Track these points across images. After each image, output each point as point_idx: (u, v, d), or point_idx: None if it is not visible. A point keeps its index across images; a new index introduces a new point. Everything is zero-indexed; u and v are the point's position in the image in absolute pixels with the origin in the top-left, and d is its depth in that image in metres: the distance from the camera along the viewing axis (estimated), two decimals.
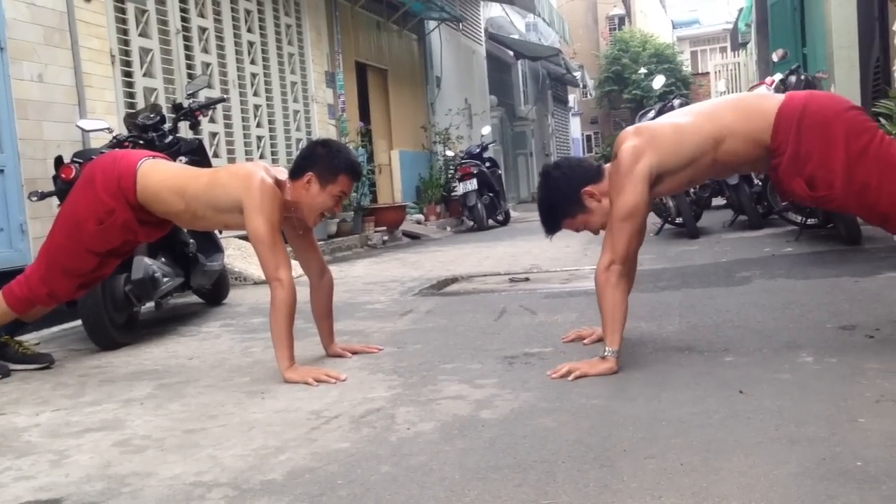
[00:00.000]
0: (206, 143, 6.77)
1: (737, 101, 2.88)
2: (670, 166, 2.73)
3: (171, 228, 3.52)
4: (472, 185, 11.59)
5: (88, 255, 3.25)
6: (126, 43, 6.61)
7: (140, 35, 6.79)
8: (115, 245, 3.28)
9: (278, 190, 3.00)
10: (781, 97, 2.71)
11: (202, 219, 3.18)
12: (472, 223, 11.77)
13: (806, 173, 2.61)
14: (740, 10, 22.07)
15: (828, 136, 2.56)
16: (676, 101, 7.89)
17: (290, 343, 2.94)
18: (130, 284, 3.97)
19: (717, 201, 9.04)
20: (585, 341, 3.25)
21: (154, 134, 4.73)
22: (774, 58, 8.28)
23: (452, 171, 13.03)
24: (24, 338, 3.95)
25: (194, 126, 5.44)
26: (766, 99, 2.79)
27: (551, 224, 2.96)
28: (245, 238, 7.36)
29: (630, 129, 2.86)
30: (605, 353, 2.69)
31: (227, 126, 8.10)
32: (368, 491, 1.81)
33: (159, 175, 3.18)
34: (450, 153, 13.53)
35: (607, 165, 2.89)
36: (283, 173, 3.09)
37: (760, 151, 2.70)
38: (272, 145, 8.97)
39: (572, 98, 31.24)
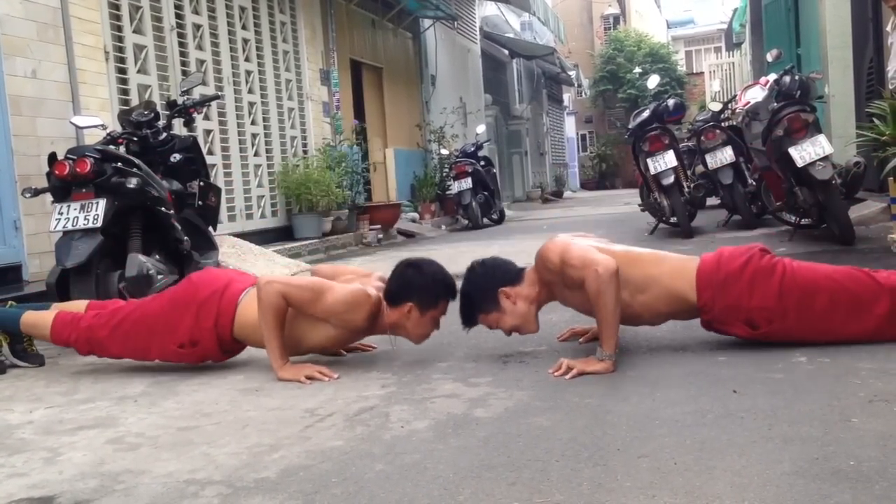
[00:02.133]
0: (201, 141, 6.76)
1: (660, 258, 2.97)
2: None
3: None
4: (467, 183, 11.59)
5: (151, 358, 3.19)
6: (120, 39, 6.59)
7: (134, 31, 6.77)
8: (184, 362, 3.19)
9: (369, 308, 2.93)
10: (696, 260, 2.90)
11: (310, 338, 3.05)
12: (466, 222, 11.78)
13: (742, 318, 2.81)
14: (735, 11, 22.09)
15: (747, 282, 2.77)
16: (671, 101, 7.91)
17: (281, 342, 2.94)
18: (124, 281, 3.97)
19: (712, 201, 9.06)
20: (581, 340, 3.26)
21: (148, 131, 4.73)
22: (769, 58, 8.30)
23: (447, 170, 13.03)
24: None
25: (188, 123, 5.44)
26: (686, 260, 2.93)
27: (467, 317, 3.02)
28: (240, 236, 7.36)
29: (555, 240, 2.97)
30: (604, 357, 2.70)
31: (222, 123, 8.08)
32: (362, 489, 1.81)
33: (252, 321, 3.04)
34: (444, 152, 13.53)
35: (530, 273, 2.98)
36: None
37: (681, 308, 2.87)
38: (266, 143, 8.95)
39: (567, 97, 31.26)
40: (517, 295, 2.94)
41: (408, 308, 2.96)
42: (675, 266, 2.90)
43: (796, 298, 2.75)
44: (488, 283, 2.96)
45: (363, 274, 3.24)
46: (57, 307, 3.42)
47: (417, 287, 2.96)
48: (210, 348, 3.09)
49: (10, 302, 3.51)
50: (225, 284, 3.11)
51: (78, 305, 3.42)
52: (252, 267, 6.27)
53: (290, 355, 3.01)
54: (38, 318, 3.31)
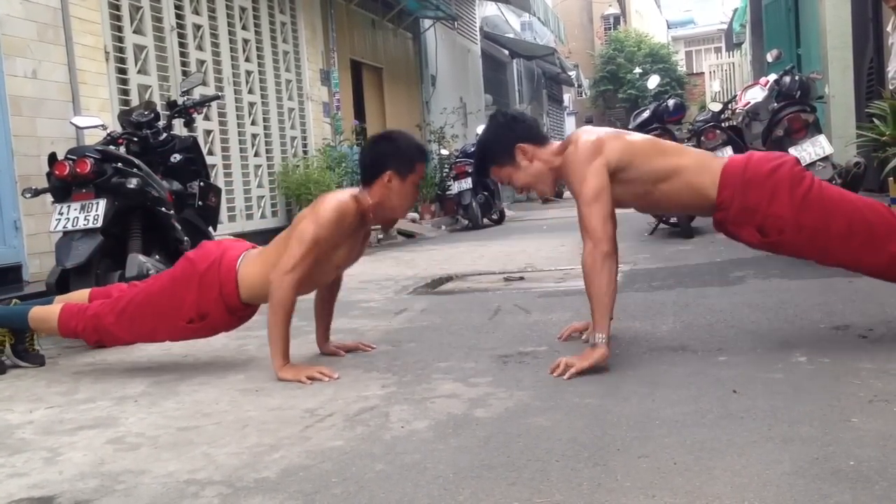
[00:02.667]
0: (201, 141, 6.77)
1: (686, 150, 2.95)
2: (621, 168, 2.78)
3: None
4: (467, 183, 11.58)
5: (161, 339, 3.20)
6: (120, 40, 6.60)
7: (134, 32, 6.78)
8: (199, 338, 3.22)
9: (352, 206, 2.95)
10: (725, 158, 2.85)
11: (319, 274, 3.06)
12: (466, 222, 11.77)
13: (756, 222, 2.75)
14: (735, 11, 22.11)
15: (771, 187, 2.70)
16: (671, 102, 7.92)
17: (286, 342, 2.94)
18: (125, 281, 3.96)
19: None
20: (584, 336, 3.26)
21: (148, 131, 4.73)
22: (769, 58, 8.31)
23: (447, 170, 13.03)
24: None
25: (189, 123, 5.44)
26: (713, 158, 2.90)
27: (480, 166, 3.01)
28: (240, 236, 7.36)
29: (586, 128, 2.93)
30: (597, 340, 2.64)
31: (222, 124, 8.08)
32: (362, 489, 1.81)
33: (258, 262, 3.06)
34: (445, 152, 13.53)
35: (556, 144, 2.94)
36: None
37: (699, 202, 2.82)
38: (267, 143, 8.96)
39: (567, 97, 31.25)
40: (535, 154, 2.87)
41: (387, 177, 2.98)
42: (700, 159, 2.84)
43: (814, 215, 2.67)
44: (508, 135, 2.88)
45: (316, 205, 3.09)
46: (60, 300, 3.42)
47: (391, 154, 2.99)
48: (220, 317, 3.09)
49: (13, 300, 3.51)
50: (221, 254, 3.11)
51: (80, 295, 3.42)
52: None
53: (325, 282, 3.05)
54: (46, 313, 3.31)
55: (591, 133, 2.86)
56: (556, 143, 2.94)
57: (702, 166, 2.80)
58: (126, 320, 3.15)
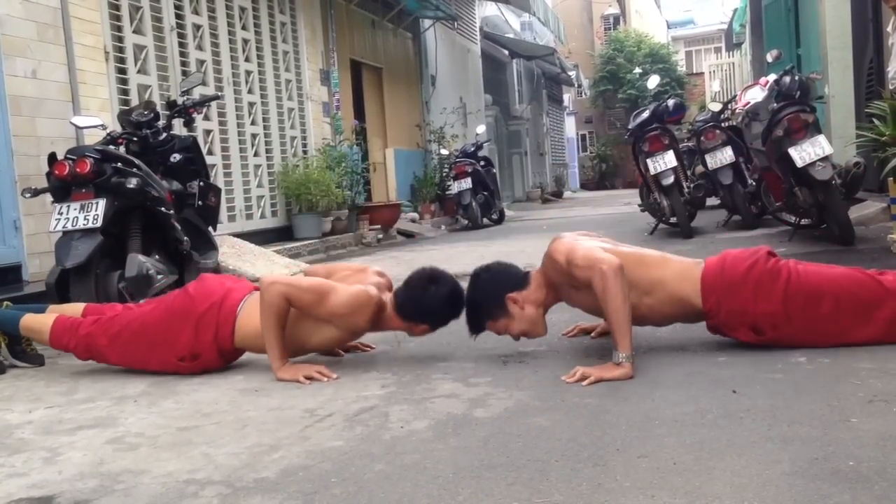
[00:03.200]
0: (201, 141, 6.77)
1: (666, 260, 2.94)
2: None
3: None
4: (467, 183, 11.59)
5: (151, 368, 3.15)
6: (120, 39, 6.60)
7: (134, 32, 6.78)
8: (185, 373, 3.16)
9: (372, 310, 2.94)
10: (702, 264, 2.88)
11: (312, 339, 3.05)
12: (466, 222, 11.78)
13: (747, 323, 2.79)
14: (735, 11, 22.10)
15: (752, 287, 2.75)
16: (671, 102, 7.92)
17: (281, 342, 2.94)
18: (124, 282, 3.97)
19: (712, 201, 9.06)
20: (592, 335, 3.26)
21: (148, 131, 4.73)
22: (769, 58, 8.30)
23: (447, 170, 13.03)
24: None
25: (188, 123, 5.44)
26: (692, 265, 2.90)
27: (475, 324, 3.00)
28: (240, 236, 7.36)
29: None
30: (620, 359, 2.62)
31: (222, 123, 8.08)
32: (362, 489, 1.81)
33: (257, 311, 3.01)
34: (444, 152, 13.53)
35: (536, 276, 2.97)
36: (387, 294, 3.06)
37: (687, 311, 2.86)
38: (266, 143, 8.95)
39: (567, 97, 31.25)
40: (525, 300, 2.91)
41: (421, 328, 3.02)
42: (681, 269, 2.87)
43: (801, 303, 2.73)
44: (495, 289, 2.93)
45: (359, 269, 3.22)
46: (54, 310, 3.41)
47: (436, 312, 2.98)
48: (211, 360, 3.08)
49: (5, 303, 3.51)
50: (223, 296, 3.09)
51: (75, 309, 3.41)
52: (252, 267, 6.28)
53: (291, 356, 3.01)
54: (38, 323, 3.30)
55: (567, 235, 2.95)
56: (536, 276, 2.97)
57: (682, 276, 2.84)
58: (119, 346, 3.15)
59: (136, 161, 4.29)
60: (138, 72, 6.79)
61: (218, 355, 3.08)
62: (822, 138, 5.37)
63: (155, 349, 3.09)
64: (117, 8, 6.57)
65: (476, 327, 2.99)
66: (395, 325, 3.04)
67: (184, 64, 7.46)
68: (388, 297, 3.03)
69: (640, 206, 8.74)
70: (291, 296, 2.89)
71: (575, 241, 2.86)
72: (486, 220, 12.07)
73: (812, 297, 2.73)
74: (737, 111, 7.82)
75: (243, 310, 3.06)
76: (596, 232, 3.12)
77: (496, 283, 2.95)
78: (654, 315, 2.88)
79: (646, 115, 7.75)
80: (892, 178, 5.33)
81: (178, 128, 5.80)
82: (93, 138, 5.18)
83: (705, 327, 2.92)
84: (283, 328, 2.93)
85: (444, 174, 13.25)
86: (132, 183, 4.11)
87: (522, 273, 3.01)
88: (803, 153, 5.31)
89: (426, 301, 2.96)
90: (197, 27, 7.76)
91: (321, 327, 2.98)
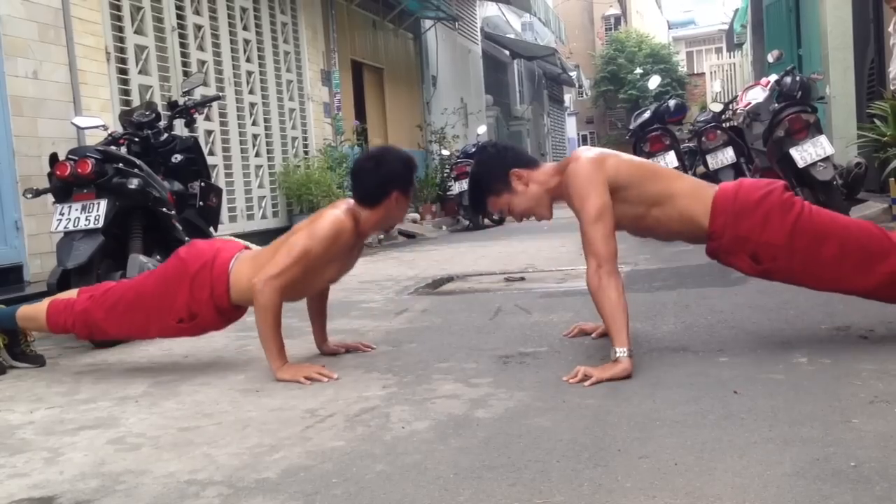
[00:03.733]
0: (202, 142, 6.77)
1: (680, 177, 2.94)
2: (619, 187, 2.78)
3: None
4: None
5: (151, 335, 3.19)
6: (121, 40, 6.60)
7: (135, 32, 6.78)
8: (187, 336, 3.22)
9: (349, 223, 2.96)
10: (716, 187, 2.85)
11: (304, 277, 3.02)
12: (467, 222, 11.78)
13: (748, 250, 2.75)
14: (736, 11, 22.11)
15: (762, 214, 2.71)
16: (672, 102, 7.92)
17: (279, 343, 2.94)
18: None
19: None
20: (593, 335, 3.26)
21: (149, 132, 4.73)
22: (770, 59, 8.31)
23: (448, 171, 13.03)
24: None
25: (190, 124, 5.44)
26: (706, 186, 2.89)
27: (477, 199, 2.98)
28: (241, 236, 7.37)
29: (586, 147, 2.96)
30: (618, 355, 2.60)
31: (223, 124, 8.09)
32: (363, 489, 1.81)
33: (250, 265, 3.04)
34: (445, 152, 13.54)
35: (550, 165, 2.95)
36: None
37: (691, 230, 2.83)
38: (268, 143, 8.96)
39: (568, 98, 31.27)
40: (531, 177, 2.86)
41: (394, 198, 3.00)
42: (694, 187, 2.84)
43: (806, 240, 2.68)
44: (500, 163, 2.88)
45: (313, 219, 3.10)
46: (48, 299, 3.42)
47: (396, 176, 2.99)
48: (209, 318, 3.09)
49: None
50: (213, 254, 3.10)
51: (69, 293, 3.42)
52: None
53: (313, 293, 3.05)
54: (33, 310, 3.31)
55: (591, 150, 2.87)
56: (549, 165, 2.95)
57: (694, 195, 2.81)
58: (116, 316, 3.16)
59: (138, 162, 4.29)
60: (139, 72, 6.79)
61: (216, 313, 3.08)
62: (823, 139, 5.37)
63: (152, 315, 3.10)
64: (118, 8, 6.58)
65: (477, 202, 2.96)
66: (375, 221, 3.04)
67: (185, 64, 7.46)
68: (351, 205, 3.05)
69: None
70: (285, 285, 2.90)
71: (591, 183, 2.74)
72: (486, 221, 12.07)
73: (819, 237, 2.69)
74: (738, 112, 7.82)
75: (235, 266, 3.06)
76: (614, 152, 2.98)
77: (501, 158, 2.90)
78: (659, 228, 2.86)
79: (647, 115, 7.75)
80: (893, 179, 5.34)
81: (180, 128, 5.80)
82: (94, 139, 5.18)
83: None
84: (280, 327, 2.94)
85: (446, 175, 13.26)
86: (133, 183, 4.11)
87: (531, 156, 2.97)
88: (804, 153, 5.31)
89: (378, 173, 2.98)
90: (198, 27, 7.77)
91: (320, 270, 3.00)
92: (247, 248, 3.20)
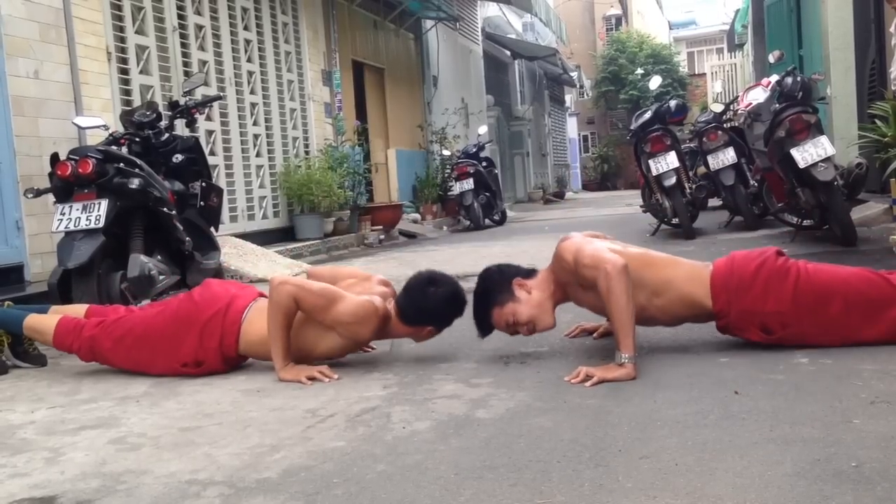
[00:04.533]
0: (203, 142, 6.77)
1: (675, 262, 2.94)
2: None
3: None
4: (469, 184, 11.59)
5: (154, 372, 3.14)
6: (122, 40, 6.60)
7: (136, 32, 6.78)
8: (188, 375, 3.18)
9: (377, 324, 2.96)
10: (709, 265, 2.88)
11: (317, 346, 3.04)
12: (468, 222, 11.77)
13: (757, 323, 2.79)
14: (737, 12, 22.10)
15: (761, 287, 2.75)
16: (673, 102, 7.92)
17: (286, 342, 2.94)
18: (126, 282, 3.97)
19: (714, 202, 9.05)
20: (595, 335, 3.26)
21: (150, 132, 4.74)
22: (771, 59, 8.29)
23: (449, 171, 13.03)
24: None
25: (191, 124, 5.44)
26: (701, 267, 2.91)
27: (482, 315, 2.97)
28: (242, 236, 7.37)
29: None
30: (623, 360, 2.61)
31: (224, 124, 8.08)
32: (364, 489, 1.81)
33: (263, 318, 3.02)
34: (446, 152, 13.53)
35: (542, 271, 2.99)
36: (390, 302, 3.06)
37: (696, 313, 2.86)
38: (269, 143, 8.96)
39: (569, 98, 31.25)
40: (532, 285, 2.92)
41: (428, 330, 3.03)
42: (690, 271, 2.88)
43: (810, 303, 2.73)
44: (502, 277, 2.95)
45: (364, 277, 3.23)
46: (56, 310, 3.42)
47: (439, 313, 2.99)
48: (214, 366, 3.08)
49: (6, 302, 3.51)
50: (228, 303, 3.09)
51: (77, 310, 3.41)
52: (253, 268, 6.28)
53: (295, 361, 3.00)
54: (41, 324, 3.31)
55: (573, 242, 2.91)
56: (544, 271, 2.99)
57: (692, 277, 2.84)
58: (123, 349, 3.16)
59: (139, 161, 4.29)
60: (140, 72, 6.79)
61: (222, 362, 3.08)
62: (824, 139, 5.36)
63: (158, 354, 3.09)
64: (119, 8, 6.58)
65: (482, 318, 2.96)
66: (401, 332, 3.05)
67: (186, 64, 7.46)
68: (391, 305, 3.03)
69: (641, 206, 8.74)
70: (300, 297, 2.89)
71: (583, 240, 2.87)
72: (487, 221, 12.07)
73: (822, 297, 2.73)
74: (739, 112, 7.80)
75: (248, 317, 3.06)
76: (603, 233, 3.11)
77: (503, 273, 2.97)
78: (664, 316, 2.88)
79: (648, 115, 7.74)
80: (894, 179, 5.34)
81: (181, 128, 5.80)
82: (95, 139, 5.18)
83: (714, 327, 2.91)
84: (289, 328, 2.94)
85: (446, 175, 13.25)
86: (134, 183, 4.11)
87: (530, 269, 3.03)
88: (805, 154, 5.31)
89: (428, 303, 2.97)
90: (199, 27, 7.77)
91: (325, 335, 2.97)
92: (262, 295, 3.17)
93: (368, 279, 3.20)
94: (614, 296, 2.64)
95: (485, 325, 2.99)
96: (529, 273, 2.99)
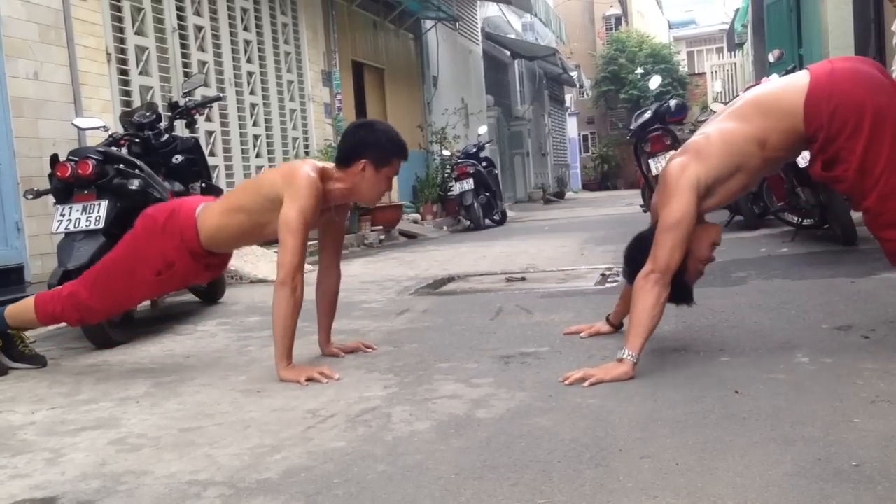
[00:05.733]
0: (203, 142, 6.78)
1: (761, 100, 2.80)
2: (720, 175, 2.71)
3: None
4: (469, 184, 11.60)
5: (137, 299, 3.25)
6: (122, 41, 6.61)
7: (136, 33, 6.79)
8: (172, 290, 3.28)
9: (320, 184, 3.00)
10: (804, 85, 2.67)
11: (268, 224, 3.09)
12: (468, 223, 11.78)
13: (829, 153, 2.65)
14: (736, 11, 22.11)
15: (855, 120, 2.57)
16: (673, 102, 7.92)
17: (291, 343, 2.95)
18: None
19: None
20: (582, 334, 3.25)
21: (150, 132, 4.73)
22: (770, 58, 8.29)
23: (449, 171, 13.03)
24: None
25: (191, 125, 5.44)
26: (788, 91, 2.73)
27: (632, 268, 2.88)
28: None
29: (678, 151, 2.87)
30: (624, 356, 2.59)
31: (224, 125, 8.09)
32: (364, 490, 1.81)
33: (216, 209, 3.15)
34: (446, 153, 13.54)
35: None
36: (328, 165, 3.11)
37: (801, 140, 2.72)
38: (269, 144, 8.96)
39: (569, 98, 31.27)
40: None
41: (361, 165, 3.03)
42: (779, 94, 2.75)
43: (888, 163, 2.54)
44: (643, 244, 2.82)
45: (288, 179, 3.09)
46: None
47: (370, 143, 3.03)
48: (186, 264, 3.14)
49: None
50: (177, 205, 3.21)
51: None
52: (254, 268, 6.28)
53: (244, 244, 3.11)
54: (20, 306, 3.34)
55: (679, 155, 2.79)
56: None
57: (780, 109, 2.68)
58: (99, 289, 3.21)
59: (139, 162, 4.29)
60: (140, 73, 6.80)
61: (191, 258, 3.14)
62: None
63: (132, 275, 3.16)
64: (119, 9, 6.58)
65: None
66: (341, 188, 3.07)
67: (185, 65, 7.47)
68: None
69: (641, 206, 8.73)
70: (301, 261, 2.94)
71: (677, 189, 2.66)
72: (488, 221, 12.07)
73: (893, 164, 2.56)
74: None
75: (202, 214, 3.14)
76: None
77: (641, 239, 2.88)
78: (775, 163, 2.84)
79: (648, 115, 7.75)
80: None
81: (181, 129, 5.81)
82: (95, 140, 5.18)
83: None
84: (294, 329, 2.95)
85: (446, 175, 13.25)
86: (134, 184, 4.11)
87: None
88: (806, 153, 5.31)
89: (359, 137, 3.04)
90: (199, 28, 7.77)
91: (272, 217, 3.02)
92: (214, 200, 3.29)
93: (256, 180, 3.23)
94: (645, 295, 2.62)
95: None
96: None
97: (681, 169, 2.70)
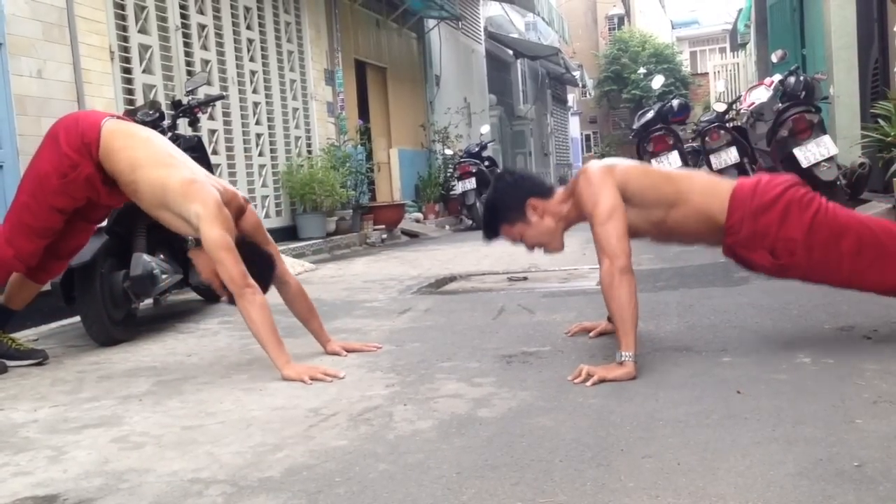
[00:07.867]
0: (206, 141, 6.78)
1: (693, 176, 2.95)
2: (632, 193, 2.78)
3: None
4: (471, 183, 11.61)
5: (52, 213, 3.27)
6: (125, 39, 6.61)
7: (139, 31, 6.79)
8: (80, 203, 3.30)
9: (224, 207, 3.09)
10: (733, 182, 2.85)
11: (141, 201, 3.20)
12: (470, 222, 11.79)
13: (767, 245, 2.75)
14: (739, 11, 22.08)
15: (781, 210, 2.71)
16: (675, 102, 7.92)
17: (279, 340, 2.95)
18: (129, 281, 3.97)
19: None
20: (591, 334, 3.26)
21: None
22: (773, 59, 8.29)
23: (451, 170, 13.04)
24: (23, 334, 3.97)
25: (193, 123, 5.43)
26: (720, 182, 2.89)
27: (490, 227, 2.98)
28: None
29: (594, 160, 2.95)
30: (623, 358, 2.59)
31: (227, 123, 8.09)
32: (366, 488, 1.81)
33: (123, 139, 3.22)
34: (449, 152, 13.54)
35: (561, 191, 2.95)
36: (231, 188, 3.25)
37: (710, 228, 2.81)
38: (271, 143, 8.96)
39: (571, 97, 31.24)
40: (545, 209, 2.88)
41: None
42: (709, 184, 2.85)
43: (825, 236, 2.68)
44: (516, 192, 2.89)
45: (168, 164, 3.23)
46: None
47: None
48: (86, 166, 3.19)
49: None
50: (75, 115, 3.35)
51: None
52: None
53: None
54: None
55: (600, 161, 2.90)
56: (561, 191, 2.95)
57: (710, 191, 2.81)
58: (16, 211, 3.29)
59: None
60: (143, 71, 6.80)
61: (91, 162, 3.19)
62: (826, 139, 5.37)
63: (42, 184, 3.22)
64: (122, 7, 6.58)
65: (490, 230, 2.96)
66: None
67: (189, 64, 7.47)
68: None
69: None
70: (244, 270, 2.97)
71: (602, 187, 2.75)
72: None
73: (836, 232, 2.69)
74: (741, 111, 7.81)
75: (108, 123, 3.23)
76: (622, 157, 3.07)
77: (518, 187, 2.91)
78: (679, 230, 2.86)
79: (650, 115, 7.75)
80: None
81: (183, 127, 5.80)
82: None
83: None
84: (273, 325, 2.96)
85: (449, 174, 13.26)
86: None
87: (548, 185, 2.98)
88: (808, 154, 5.31)
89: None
90: (202, 27, 7.78)
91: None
92: (120, 118, 3.41)
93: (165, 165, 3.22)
94: (616, 292, 2.62)
95: (491, 232, 2.98)
96: (546, 192, 2.92)
97: (604, 170, 2.79)
